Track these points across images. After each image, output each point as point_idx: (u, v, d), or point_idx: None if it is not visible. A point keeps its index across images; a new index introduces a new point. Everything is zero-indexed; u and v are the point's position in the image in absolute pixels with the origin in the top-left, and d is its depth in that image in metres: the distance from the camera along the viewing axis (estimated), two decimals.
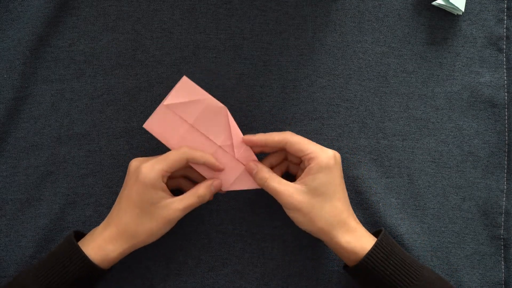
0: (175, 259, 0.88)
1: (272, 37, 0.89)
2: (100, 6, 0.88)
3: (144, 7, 0.88)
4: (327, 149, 0.79)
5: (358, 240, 0.77)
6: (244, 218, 0.88)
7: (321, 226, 0.78)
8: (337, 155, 0.80)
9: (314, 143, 0.80)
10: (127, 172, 0.79)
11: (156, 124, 0.83)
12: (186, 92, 0.83)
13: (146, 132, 0.88)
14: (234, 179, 0.85)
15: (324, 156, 0.78)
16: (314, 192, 0.78)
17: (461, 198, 0.88)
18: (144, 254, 0.87)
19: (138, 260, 0.87)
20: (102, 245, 0.77)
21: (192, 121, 0.83)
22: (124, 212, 0.78)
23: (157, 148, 0.88)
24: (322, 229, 0.78)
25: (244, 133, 0.87)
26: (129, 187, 0.78)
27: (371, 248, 0.76)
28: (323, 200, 0.78)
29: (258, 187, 0.84)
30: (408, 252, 0.86)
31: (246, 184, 0.85)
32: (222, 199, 0.88)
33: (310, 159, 0.78)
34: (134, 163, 0.79)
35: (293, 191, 0.78)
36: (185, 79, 0.82)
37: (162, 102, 0.82)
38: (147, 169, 0.77)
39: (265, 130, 0.88)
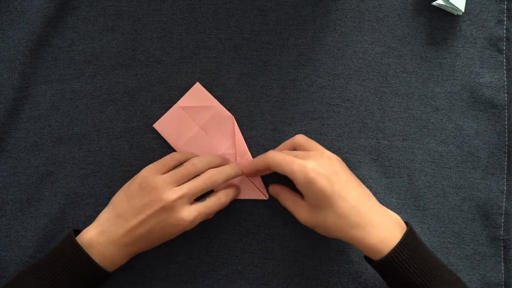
0: (175, 259, 0.88)
1: (272, 37, 0.89)
2: (100, 6, 0.88)
3: (144, 7, 0.89)
4: (304, 165, 0.76)
5: (379, 244, 0.75)
6: (244, 218, 0.88)
7: (335, 235, 0.78)
8: (318, 166, 0.77)
9: (294, 159, 0.78)
10: (156, 200, 0.78)
11: (166, 125, 0.87)
12: (197, 97, 0.87)
13: (146, 132, 0.88)
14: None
15: (298, 176, 0.76)
16: (313, 206, 0.78)
17: (461, 199, 0.88)
18: (144, 254, 0.87)
19: (138, 260, 0.87)
20: (118, 261, 0.79)
21: (200, 126, 0.86)
22: (153, 242, 0.80)
23: (157, 148, 0.88)
24: (337, 237, 0.78)
25: (244, 133, 0.88)
26: (165, 226, 0.79)
27: (394, 248, 0.75)
28: (324, 212, 0.77)
29: (257, 197, 0.87)
30: None
31: (246, 194, 0.87)
32: None
33: (292, 179, 0.78)
34: (170, 197, 0.78)
35: (301, 210, 0.80)
36: (197, 85, 0.87)
37: (176, 104, 0.87)
38: (190, 221, 0.79)
39: (265, 130, 0.88)
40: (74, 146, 0.88)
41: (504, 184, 0.88)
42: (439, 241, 0.88)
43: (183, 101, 0.87)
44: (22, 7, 0.88)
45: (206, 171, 0.82)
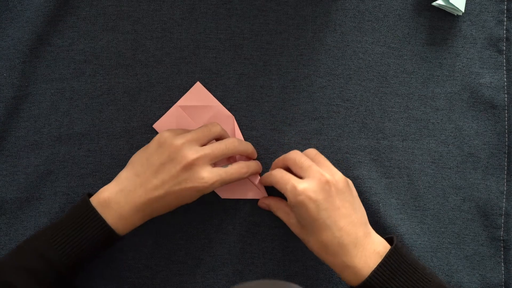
0: (175, 259, 0.88)
1: (272, 37, 0.89)
2: (100, 5, 0.88)
3: (144, 7, 0.89)
4: (295, 186, 0.76)
5: (353, 274, 0.75)
6: (244, 218, 0.88)
7: (316, 255, 0.79)
8: (310, 189, 0.76)
9: (290, 178, 0.78)
10: (177, 158, 0.77)
11: (166, 125, 0.87)
12: (197, 97, 0.87)
13: (146, 132, 0.88)
14: (235, 187, 0.86)
15: (289, 196, 0.77)
16: (300, 224, 0.79)
17: (461, 199, 0.88)
18: (144, 254, 0.87)
19: (138, 260, 0.87)
20: (133, 222, 0.78)
21: (200, 125, 0.86)
22: (170, 204, 0.79)
23: None
24: (319, 257, 0.78)
25: (244, 133, 0.88)
26: (184, 187, 0.77)
27: (369, 275, 0.75)
28: (308, 233, 0.78)
29: (257, 197, 0.87)
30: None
31: (246, 194, 0.87)
32: (222, 200, 0.88)
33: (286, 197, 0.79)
34: (191, 155, 0.77)
35: (293, 222, 0.80)
36: (198, 85, 0.87)
37: (175, 104, 0.87)
38: (211, 184, 0.78)
39: (265, 130, 0.88)
40: (74, 145, 0.88)
41: (504, 184, 0.88)
42: (439, 241, 0.88)
43: (183, 101, 0.87)
44: (21, 6, 0.88)
45: (227, 138, 0.82)
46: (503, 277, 0.87)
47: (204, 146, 0.79)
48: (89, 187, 0.88)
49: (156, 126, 0.87)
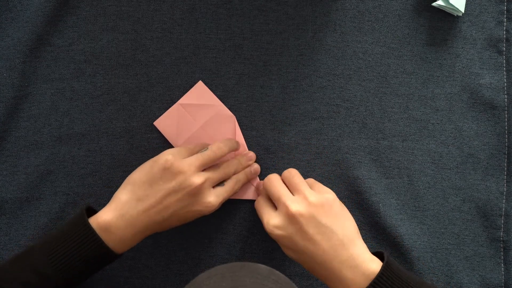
0: (175, 259, 0.88)
1: (272, 37, 0.89)
2: (100, 5, 0.88)
3: (144, 7, 0.89)
4: (267, 222, 0.77)
5: None
6: (244, 218, 0.88)
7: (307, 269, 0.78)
8: (280, 225, 0.76)
9: (264, 212, 0.78)
10: (184, 184, 0.77)
11: (167, 123, 0.87)
12: (199, 96, 0.88)
13: (146, 132, 0.88)
14: None
15: (267, 228, 0.77)
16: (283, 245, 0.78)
17: (461, 200, 0.88)
18: (144, 254, 0.87)
19: (138, 260, 0.87)
20: (132, 243, 0.78)
21: (201, 124, 0.86)
22: (171, 224, 0.79)
23: (157, 148, 0.88)
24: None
25: (244, 133, 0.88)
26: (189, 210, 0.78)
27: None
28: (293, 252, 0.77)
29: (256, 198, 0.87)
30: (408, 254, 0.86)
31: (246, 194, 0.87)
32: None
33: None
34: (198, 181, 0.77)
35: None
36: (200, 84, 0.88)
37: (177, 102, 0.87)
38: (216, 204, 0.79)
39: (265, 130, 0.88)
40: (74, 145, 0.88)
41: (504, 185, 0.88)
42: (438, 242, 0.88)
43: (184, 99, 0.87)
44: (21, 5, 0.88)
45: (224, 163, 0.83)
46: (503, 278, 0.87)
47: (205, 170, 0.80)
48: (89, 187, 0.88)
49: (156, 123, 0.87)
